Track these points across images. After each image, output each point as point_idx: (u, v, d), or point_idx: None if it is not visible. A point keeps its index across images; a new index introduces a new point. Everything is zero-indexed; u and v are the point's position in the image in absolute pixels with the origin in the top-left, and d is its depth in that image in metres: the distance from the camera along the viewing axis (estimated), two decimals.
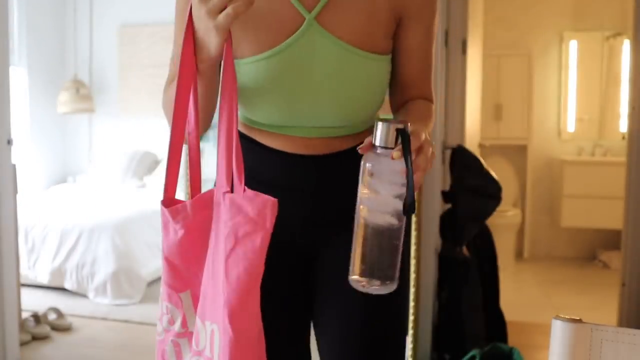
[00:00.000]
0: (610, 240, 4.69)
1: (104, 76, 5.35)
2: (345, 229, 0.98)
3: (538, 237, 5.04)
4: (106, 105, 5.32)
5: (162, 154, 5.05)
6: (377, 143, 0.88)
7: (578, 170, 4.73)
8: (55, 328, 3.21)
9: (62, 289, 3.90)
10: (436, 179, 2.57)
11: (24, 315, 3.15)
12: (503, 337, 2.77)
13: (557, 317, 0.77)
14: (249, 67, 1.05)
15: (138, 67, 5.20)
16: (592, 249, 4.93)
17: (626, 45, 4.71)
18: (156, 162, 5.09)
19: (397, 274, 0.90)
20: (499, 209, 2.74)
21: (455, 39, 2.76)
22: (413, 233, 2.43)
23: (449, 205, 2.69)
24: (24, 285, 3.68)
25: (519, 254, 4.93)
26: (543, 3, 4.91)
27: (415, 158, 0.89)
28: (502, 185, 2.71)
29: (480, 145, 3.72)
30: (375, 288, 0.90)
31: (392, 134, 0.87)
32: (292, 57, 1.03)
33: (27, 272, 3.89)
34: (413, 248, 2.43)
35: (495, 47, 4.77)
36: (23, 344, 2.91)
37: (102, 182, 5.01)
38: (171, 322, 0.99)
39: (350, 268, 0.91)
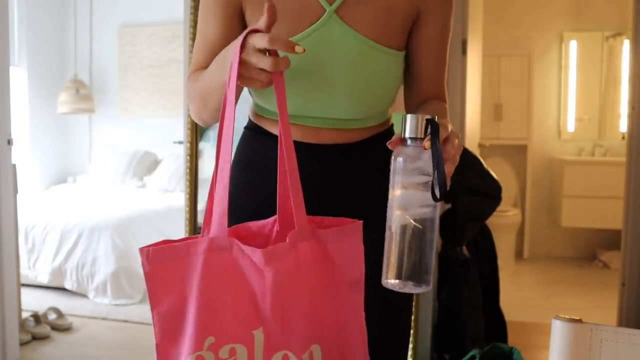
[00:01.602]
0: (610, 240, 4.69)
1: (104, 76, 5.35)
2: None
3: (538, 237, 5.04)
4: (106, 105, 5.32)
5: (162, 154, 5.05)
6: (407, 135, 0.87)
7: (578, 170, 4.73)
8: (55, 328, 3.21)
9: (62, 289, 3.90)
10: None
11: (24, 315, 3.16)
12: (503, 337, 2.77)
13: (557, 317, 0.77)
14: None
15: (138, 67, 5.20)
16: (592, 249, 4.93)
17: (626, 45, 4.71)
18: (156, 162, 5.10)
19: (431, 276, 0.89)
20: (499, 209, 2.74)
21: (455, 39, 2.75)
22: None
23: (449, 205, 2.69)
24: (24, 285, 3.68)
25: (519, 254, 4.93)
26: (543, 3, 4.91)
27: (444, 147, 0.88)
28: (502, 185, 2.71)
29: (480, 145, 3.72)
30: (410, 288, 0.90)
31: (422, 125, 0.87)
32: (311, 47, 1.04)
33: (27, 272, 3.89)
34: None
35: (495, 47, 4.77)
36: (23, 344, 2.91)
37: (102, 182, 5.01)
38: None
39: (384, 270, 0.89)
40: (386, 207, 0.90)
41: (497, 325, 2.78)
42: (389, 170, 0.89)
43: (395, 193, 0.88)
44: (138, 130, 5.23)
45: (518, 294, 3.95)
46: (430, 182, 0.85)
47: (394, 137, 0.90)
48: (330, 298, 0.95)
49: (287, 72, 1.00)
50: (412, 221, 0.87)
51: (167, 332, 0.91)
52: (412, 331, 2.42)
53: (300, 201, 0.94)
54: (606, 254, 4.73)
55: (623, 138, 4.54)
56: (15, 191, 2.61)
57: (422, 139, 0.87)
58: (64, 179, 5.43)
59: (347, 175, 1.12)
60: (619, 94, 4.81)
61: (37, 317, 3.13)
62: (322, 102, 1.08)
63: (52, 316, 3.28)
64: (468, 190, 2.63)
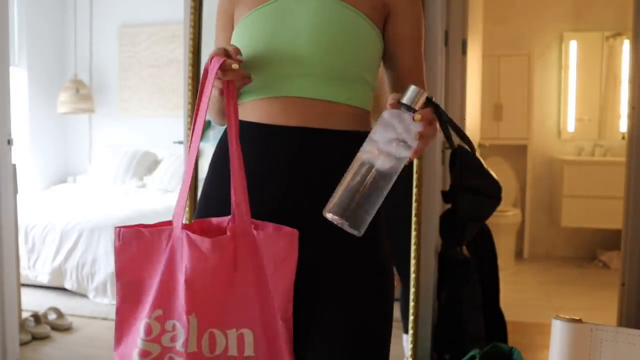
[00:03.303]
0: (610, 240, 4.69)
1: (104, 76, 5.35)
2: (318, 225, 1.03)
3: (538, 237, 5.04)
4: (106, 105, 5.32)
5: (162, 153, 5.05)
6: (404, 101, 0.96)
7: (578, 170, 4.72)
8: (55, 328, 3.21)
9: (62, 289, 3.90)
10: (436, 179, 2.57)
11: (24, 315, 3.15)
12: (503, 337, 2.77)
13: (557, 317, 0.77)
14: (245, 22, 1.16)
15: (138, 67, 5.20)
16: (592, 249, 4.93)
17: (626, 45, 4.71)
18: (156, 162, 5.09)
19: (365, 227, 0.97)
20: (499, 209, 2.73)
21: (455, 39, 2.76)
22: (413, 233, 2.43)
23: (448, 205, 2.69)
24: (24, 285, 3.68)
25: (519, 254, 4.93)
26: (543, 3, 4.91)
27: (426, 127, 0.97)
28: (502, 185, 2.71)
29: (480, 145, 3.72)
30: (346, 227, 0.97)
31: (422, 99, 0.96)
32: (282, 6, 1.14)
33: (27, 272, 3.89)
34: (413, 248, 2.43)
35: (495, 47, 4.77)
36: (23, 344, 2.91)
37: (102, 182, 5.01)
38: (173, 339, 1.08)
39: (330, 200, 0.97)
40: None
41: (497, 325, 2.78)
42: None
43: (372, 138, 0.96)
44: (138, 130, 5.23)
45: (518, 294, 3.95)
46: (401, 145, 0.95)
47: (393, 98, 0.99)
48: (260, 290, 1.09)
49: (260, 30, 1.14)
50: (374, 165, 0.95)
51: (127, 299, 1.11)
52: (412, 331, 2.42)
53: (244, 200, 1.08)
54: (606, 254, 4.73)
55: (623, 138, 4.53)
56: (15, 191, 2.61)
57: (414, 110, 0.96)
58: (64, 179, 5.42)
59: (317, 165, 1.13)
60: (619, 94, 4.81)
61: (37, 317, 3.13)
62: (291, 53, 1.13)
63: (52, 316, 3.28)
64: (468, 190, 2.63)
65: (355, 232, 0.96)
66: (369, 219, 0.96)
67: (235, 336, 1.08)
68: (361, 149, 0.97)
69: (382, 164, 0.95)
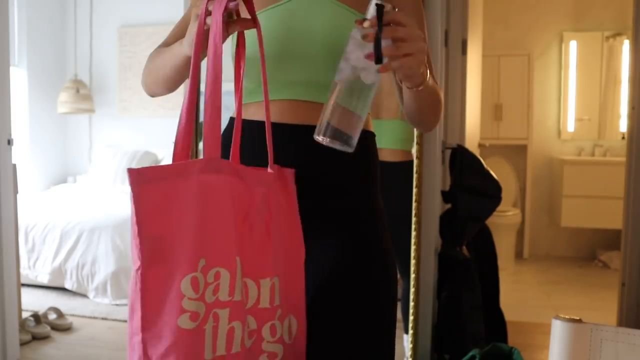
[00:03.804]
0: (610, 240, 4.69)
1: (104, 76, 5.35)
2: (319, 221, 1.03)
3: (538, 237, 5.04)
4: (106, 105, 5.32)
5: (162, 154, 5.05)
6: (367, 17, 0.97)
7: (578, 170, 4.73)
8: (55, 328, 3.21)
9: (62, 289, 3.90)
10: (436, 179, 2.57)
11: (24, 315, 3.16)
12: (503, 337, 2.77)
13: (557, 317, 0.77)
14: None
15: (138, 67, 5.19)
16: (592, 249, 4.93)
17: (626, 45, 4.71)
18: (156, 162, 5.09)
19: (355, 143, 0.97)
20: (499, 209, 2.74)
21: (455, 39, 2.75)
22: (413, 233, 2.43)
23: (448, 205, 2.69)
24: (24, 285, 3.68)
25: (519, 254, 4.93)
26: (543, 3, 4.91)
27: (386, 27, 0.94)
28: (502, 185, 2.71)
29: (480, 145, 3.72)
30: (336, 145, 0.98)
31: (374, 9, 0.95)
32: (291, 9, 1.11)
33: (27, 272, 3.89)
34: (413, 248, 2.43)
35: (495, 47, 4.77)
36: (23, 343, 2.91)
37: (102, 182, 5.01)
38: (215, 291, 0.92)
39: (318, 125, 0.97)
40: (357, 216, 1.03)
41: (497, 325, 2.78)
42: (365, 176, 1.03)
43: (346, 57, 0.97)
44: (138, 130, 5.23)
45: (518, 294, 3.95)
46: (366, 59, 0.94)
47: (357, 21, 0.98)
48: (288, 233, 1.05)
49: (269, 33, 1.09)
50: (352, 80, 0.96)
51: (154, 255, 0.88)
52: (412, 331, 2.42)
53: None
54: (606, 254, 4.73)
55: (623, 138, 4.54)
56: (15, 191, 2.61)
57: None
58: (64, 179, 5.42)
59: (321, 164, 1.12)
60: (619, 94, 4.81)
61: (37, 317, 3.13)
62: (301, 59, 1.11)
63: (52, 316, 3.28)
64: (468, 190, 2.63)
65: (348, 149, 0.97)
66: (358, 134, 0.97)
67: (268, 286, 1.00)
68: (338, 69, 0.97)
69: (363, 77, 0.96)
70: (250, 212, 0.98)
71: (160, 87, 1.20)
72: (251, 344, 0.99)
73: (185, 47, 1.04)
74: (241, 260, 0.94)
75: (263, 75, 1.05)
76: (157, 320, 0.88)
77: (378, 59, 0.92)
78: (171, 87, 1.19)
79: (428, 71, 1.05)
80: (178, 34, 1.20)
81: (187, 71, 1.06)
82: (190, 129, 0.98)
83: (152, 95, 1.25)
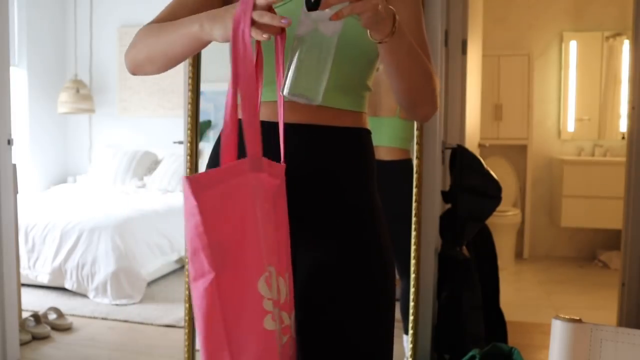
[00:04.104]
0: (610, 240, 4.69)
1: (104, 76, 5.35)
2: (318, 218, 1.03)
3: (538, 237, 5.04)
4: (106, 105, 5.32)
5: (162, 153, 5.06)
6: None
7: (578, 170, 4.73)
8: (55, 328, 3.21)
9: (62, 289, 3.90)
10: (436, 179, 2.57)
11: (24, 315, 3.16)
12: (503, 337, 2.77)
13: (557, 317, 0.77)
14: None
15: None
16: (592, 249, 4.93)
17: (626, 45, 4.71)
18: (156, 162, 5.10)
19: (322, 94, 0.96)
20: (499, 209, 2.74)
21: (455, 39, 2.76)
22: (413, 233, 2.43)
23: (448, 205, 2.69)
24: (24, 285, 3.68)
25: (519, 254, 4.93)
26: (543, 3, 4.91)
27: None
28: (502, 185, 2.71)
29: (480, 145, 3.72)
30: (303, 100, 0.97)
31: None
32: (292, 9, 1.07)
33: (27, 272, 3.89)
34: (413, 248, 2.43)
35: (495, 47, 4.77)
36: (23, 343, 2.91)
37: (102, 182, 5.01)
38: (279, 290, 0.94)
39: (285, 82, 0.96)
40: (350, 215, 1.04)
41: (497, 325, 2.78)
42: (362, 171, 1.01)
43: (305, 12, 0.96)
44: (138, 130, 5.23)
45: (518, 294, 3.95)
46: (333, 8, 0.93)
47: None
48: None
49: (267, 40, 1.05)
50: (312, 34, 0.95)
51: (226, 264, 0.85)
52: (412, 331, 2.42)
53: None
54: (606, 254, 4.73)
55: (623, 138, 4.54)
56: (15, 191, 2.61)
57: None
58: (64, 179, 5.43)
59: (317, 160, 1.12)
60: (619, 94, 4.81)
61: (37, 317, 3.13)
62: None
63: (52, 316, 3.28)
64: (468, 190, 2.63)
65: (313, 103, 0.97)
66: (322, 87, 0.97)
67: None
68: (298, 23, 0.96)
69: (322, 29, 0.95)
70: (275, 206, 0.99)
71: (157, 64, 1.11)
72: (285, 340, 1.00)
73: (215, 32, 0.97)
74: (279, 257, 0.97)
75: (277, 76, 1.03)
76: (244, 327, 0.86)
77: (309, 2, 0.92)
78: (170, 66, 1.12)
79: (401, 27, 1.02)
80: (178, 11, 1.12)
81: (195, 52, 1.05)
82: (235, 128, 0.94)
83: (137, 74, 1.16)
